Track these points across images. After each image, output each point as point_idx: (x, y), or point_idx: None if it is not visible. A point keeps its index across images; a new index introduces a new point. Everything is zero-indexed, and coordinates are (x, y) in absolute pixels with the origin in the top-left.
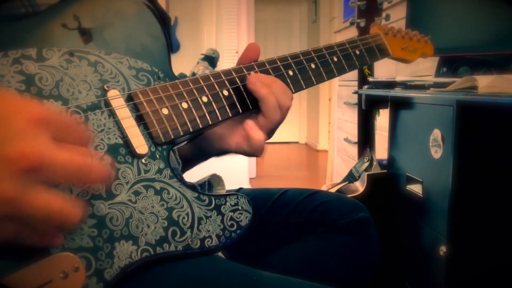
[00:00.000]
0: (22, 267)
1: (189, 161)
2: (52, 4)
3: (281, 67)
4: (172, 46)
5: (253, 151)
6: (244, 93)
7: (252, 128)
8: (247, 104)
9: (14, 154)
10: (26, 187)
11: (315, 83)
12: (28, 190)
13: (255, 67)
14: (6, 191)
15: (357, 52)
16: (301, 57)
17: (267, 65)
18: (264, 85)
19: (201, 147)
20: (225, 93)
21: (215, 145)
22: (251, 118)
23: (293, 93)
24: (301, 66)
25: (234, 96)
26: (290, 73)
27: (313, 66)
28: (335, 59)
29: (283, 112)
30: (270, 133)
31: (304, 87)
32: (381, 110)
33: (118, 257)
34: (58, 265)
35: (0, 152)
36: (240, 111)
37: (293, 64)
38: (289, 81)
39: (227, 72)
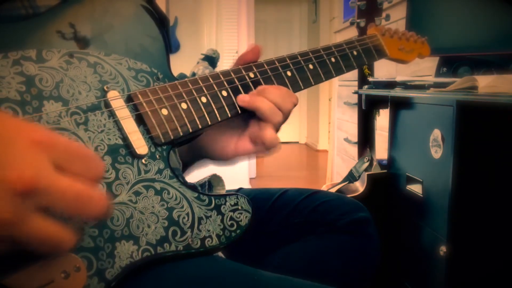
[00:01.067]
0: (24, 267)
1: (186, 165)
2: (52, 6)
3: (279, 67)
4: (171, 46)
5: (270, 149)
6: (243, 94)
7: (261, 130)
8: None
9: (11, 177)
10: (23, 210)
11: (313, 83)
12: (24, 214)
13: (254, 67)
14: (1, 214)
15: (355, 52)
16: (299, 58)
17: (266, 66)
18: (253, 96)
19: (202, 157)
20: (224, 93)
21: (218, 155)
22: (254, 120)
23: None
24: (299, 67)
25: (233, 97)
26: (289, 73)
27: (311, 66)
28: (333, 59)
29: (284, 114)
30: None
31: (302, 88)
32: (381, 110)
33: (119, 257)
34: (59, 265)
35: None
36: (239, 111)
37: (291, 65)
38: (287, 81)
39: (226, 73)
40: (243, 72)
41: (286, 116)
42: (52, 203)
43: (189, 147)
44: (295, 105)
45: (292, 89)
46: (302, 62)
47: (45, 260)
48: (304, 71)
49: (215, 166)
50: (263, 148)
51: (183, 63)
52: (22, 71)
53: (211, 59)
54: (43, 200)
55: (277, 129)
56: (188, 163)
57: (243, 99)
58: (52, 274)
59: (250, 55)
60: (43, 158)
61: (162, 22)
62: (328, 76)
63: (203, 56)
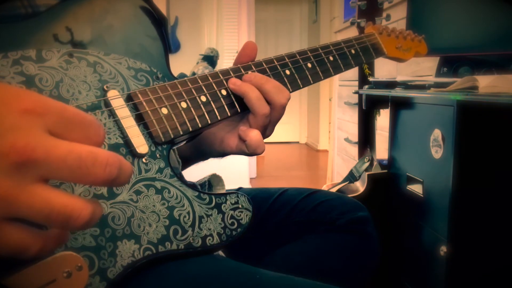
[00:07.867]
0: (25, 266)
1: (188, 161)
2: (51, 5)
3: (278, 66)
4: (170, 46)
5: (253, 150)
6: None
7: (245, 130)
8: (245, 103)
9: (4, 148)
10: (21, 183)
11: (311, 82)
12: (23, 187)
13: (253, 66)
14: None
15: (353, 51)
16: (298, 57)
17: (264, 65)
18: (244, 82)
19: (202, 150)
20: (224, 92)
21: (217, 148)
22: (243, 122)
23: (290, 92)
24: (297, 65)
25: (232, 95)
26: (287, 72)
27: (309, 65)
28: (331, 58)
29: (276, 108)
30: (265, 129)
31: (301, 86)
32: (381, 110)
33: (121, 256)
34: (61, 264)
35: None
36: (239, 110)
37: (289, 63)
38: (286, 80)
39: (225, 72)
40: (242, 71)
41: (276, 112)
42: (54, 171)
43: (191, 143)
44: (287, 100)
45: (290, 88)
46: (300, 61)
47: (47, 259)
48: (303, 69)
49: (215, 166)
50: (245, 147)
51: (183, 63)
52: (22, 71)
53: (211, 59)
54: (43, 169)
55: (266, 127)
56: (189, 159)
57: (235, 82)
58: (53, 273)
59: (247, 52)
60: (36, 126)
61: (160, 22)
62: (327, 75)
63: (202, 56)
